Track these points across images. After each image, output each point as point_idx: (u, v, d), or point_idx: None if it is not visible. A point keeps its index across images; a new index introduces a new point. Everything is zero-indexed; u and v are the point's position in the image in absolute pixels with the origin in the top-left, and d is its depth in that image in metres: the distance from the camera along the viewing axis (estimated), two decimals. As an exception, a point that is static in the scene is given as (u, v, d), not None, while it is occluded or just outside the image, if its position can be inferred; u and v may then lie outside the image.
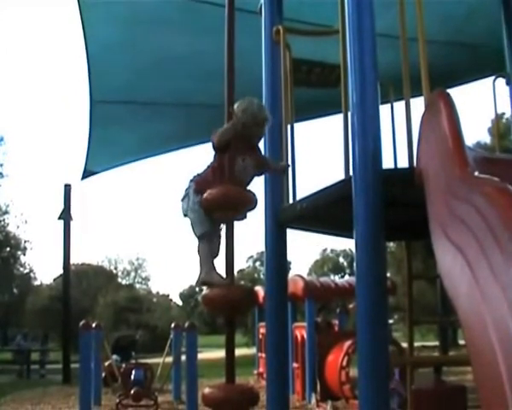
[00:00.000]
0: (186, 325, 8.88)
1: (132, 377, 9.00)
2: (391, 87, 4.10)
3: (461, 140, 2.06)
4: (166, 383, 9.70)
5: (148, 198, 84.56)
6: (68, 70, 71.56)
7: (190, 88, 7.03)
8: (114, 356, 11.11)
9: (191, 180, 2.98)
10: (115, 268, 47.74)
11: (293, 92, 3.74)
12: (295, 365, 9.87)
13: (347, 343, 8.43)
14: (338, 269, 48.64)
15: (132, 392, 8.50)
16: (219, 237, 2.97)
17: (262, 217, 3.79)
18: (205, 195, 2.85)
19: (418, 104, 2.87)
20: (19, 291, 30.30)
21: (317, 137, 55.88)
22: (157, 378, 9.48)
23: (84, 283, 35.76)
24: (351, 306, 11.33)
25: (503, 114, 11.54)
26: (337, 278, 28.29)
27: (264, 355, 10.50)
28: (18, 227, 25.47)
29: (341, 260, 50.14)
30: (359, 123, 2.78)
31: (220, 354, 7.04)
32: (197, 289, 43.70)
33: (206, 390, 2.86)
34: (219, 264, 2.94)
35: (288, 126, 3.71)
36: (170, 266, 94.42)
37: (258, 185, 3.24)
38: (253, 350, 14.67)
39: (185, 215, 2.96)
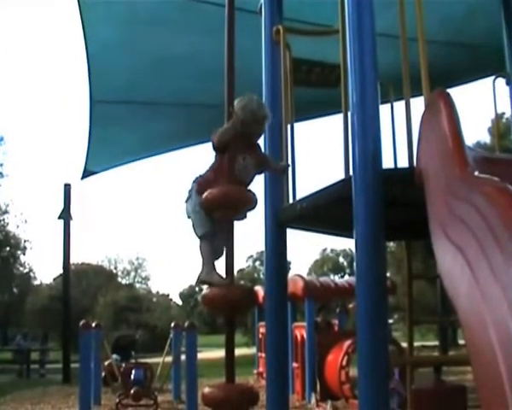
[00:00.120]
0: (186, 324, 8.86)
1: (132, 376, 9.01)
2: (391, 87, 4.10)
3: (461, 140, 2.06)
4: (166, 383, 9.69)
5: (148, 198, 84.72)
6: (68, 70, 71.68)
7: (190, 88, 7.03)
8: (114, 356, 11.09)
9: (194, 181, 2.98)
10: (115, 268, 47.80)
11: (293, 92, 3.74)
12: (295, 364, 9.87)
13: (347, 343, 8.43)
14: (338, 269, 48.64)
15: (132, 392, 8.49)
16: (223, 237, 2.95)
17: (262, 217, 3.78)
18: (205, 194, 2.86)
19: (418, 104, 2.87)
20: (19, 291, 30.32)
21: (317, 137, 55.96)
22: (157, 378, 9.48)
23: (83, 282, 35.77)
24: (350, 306, 11.33)
25: (503, 113, 11.52)
26: (337, 278, 28.31)
27: (263, 355, 10.50)
28: (18, 227, 25.58)
29: (341, 259, 50.15)
30: (359, 123, 2.77)
31: (220, 353, 7.03)
32: (197, 288, 43.85)
33: (206, 390, 2.87)
34: (219, 264, 2.95)
35: (288, 126, 3.70)
36: (170, 265, 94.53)
37: (258, 185, 3.24)
38: (252, 350, 14.67)
39: (189, 217, 2.96)
